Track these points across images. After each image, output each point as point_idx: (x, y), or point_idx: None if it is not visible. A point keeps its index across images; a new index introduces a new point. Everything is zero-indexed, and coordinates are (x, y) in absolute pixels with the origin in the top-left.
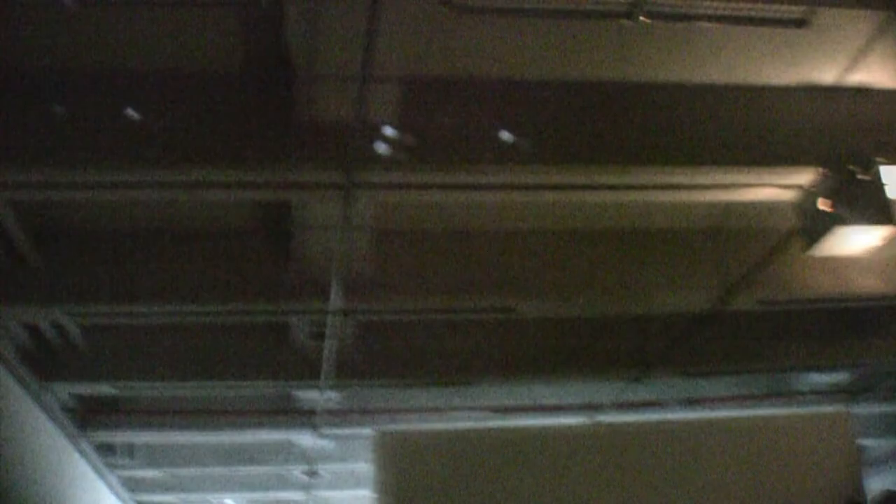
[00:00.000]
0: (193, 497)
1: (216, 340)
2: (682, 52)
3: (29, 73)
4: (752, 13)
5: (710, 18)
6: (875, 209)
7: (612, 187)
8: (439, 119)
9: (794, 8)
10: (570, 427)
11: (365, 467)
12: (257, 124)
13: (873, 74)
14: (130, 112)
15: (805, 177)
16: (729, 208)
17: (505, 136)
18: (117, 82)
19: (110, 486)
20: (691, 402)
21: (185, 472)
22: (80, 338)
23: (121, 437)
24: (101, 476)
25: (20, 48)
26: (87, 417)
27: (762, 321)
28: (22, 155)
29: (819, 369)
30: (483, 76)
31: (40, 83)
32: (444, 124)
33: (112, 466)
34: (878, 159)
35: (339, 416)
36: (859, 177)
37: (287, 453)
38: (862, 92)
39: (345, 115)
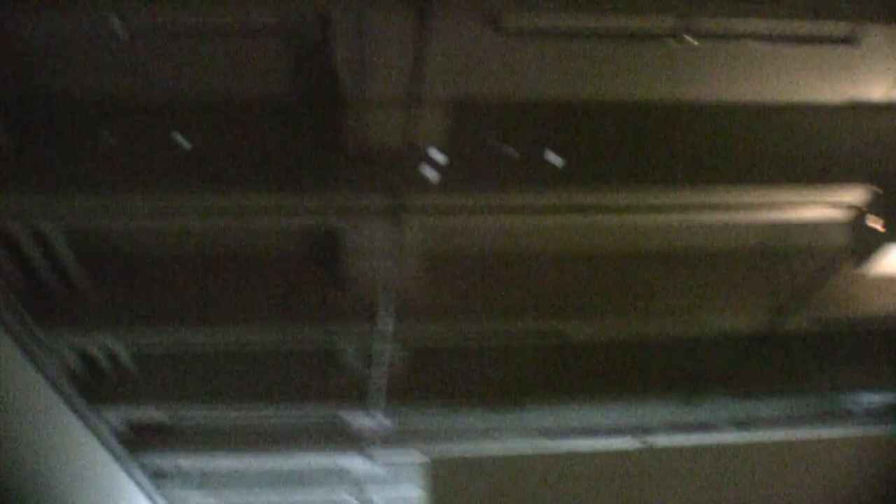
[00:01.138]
0: None
1: (266, 365)
2: (728, 72)
3: (81, 102)
4: (799, 31)
5: (756, 37)
6: None
7: (660, 209)
8: (487, 142)
9: (841, 25)
10: (621, 450)
11: (415, 492)
12: (306, 150)
13: None
14: (180, 139)
15: (854, 195)
16: (778, 227)
17: (553, 158)
18: (167, 110)
19: None
20: (743, 424)
21: (236, 496)
22: (130, 363)
23: (172, 461)
24: (152, 501)
25: (73, 77)
26: (137, 442)
27: (815, 341)
28: (73, 182)
29: (873, 390)
30: (530, 98)
31: (91, 111)
32: (491, 147)
33: (163, 491)
34: None
35: (390, 441)
36: None
37: (337, 478)
38: None
39: (393, 139)
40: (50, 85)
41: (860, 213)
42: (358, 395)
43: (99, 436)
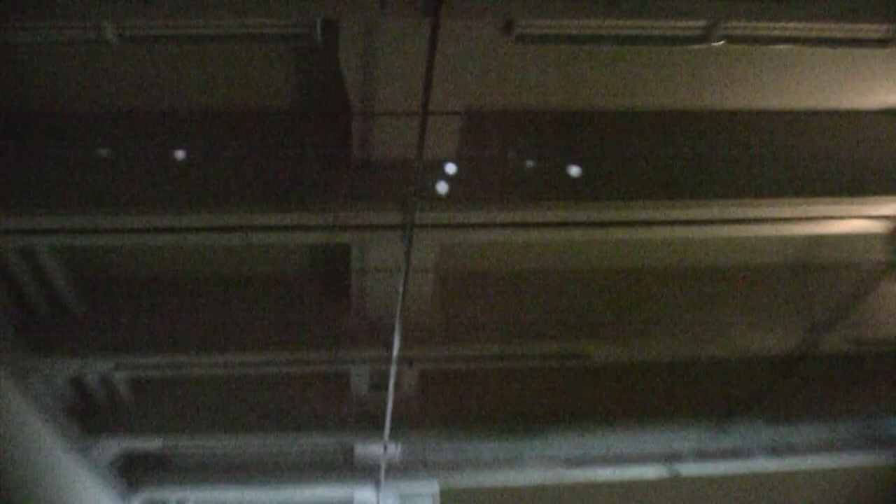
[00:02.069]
0: None
1: (271, 392)
2: (758, 77)
3: (72, 115)
4: (833, 34)
5: (788, 40)
6: None
7: (687, 223)
8: (502, 154)
9: (876, 27)
10: (648, 480)
11: None
12: (312, 163)
13: None
14: (178, 153)
15: (894, 206)
16: (814, 242)
17: (573, 170)
18: (163, 122)
19: None
20: (778, 451)
21: None
22: (127, 391)
23: (172, 494)
24: None
25: (62, 89)
26: (136, 473)
27: (853, 362)
28: (64, 199)
29: None
30: (547, 108)
31: (84, 125)
32: (507, 159)
33: None
34: None
35: (402, 470)
36: None
37: None
38: None
39: (403, 152)
40: (41, 97)
41: None
42: (367, 423)
43: (96, 468)
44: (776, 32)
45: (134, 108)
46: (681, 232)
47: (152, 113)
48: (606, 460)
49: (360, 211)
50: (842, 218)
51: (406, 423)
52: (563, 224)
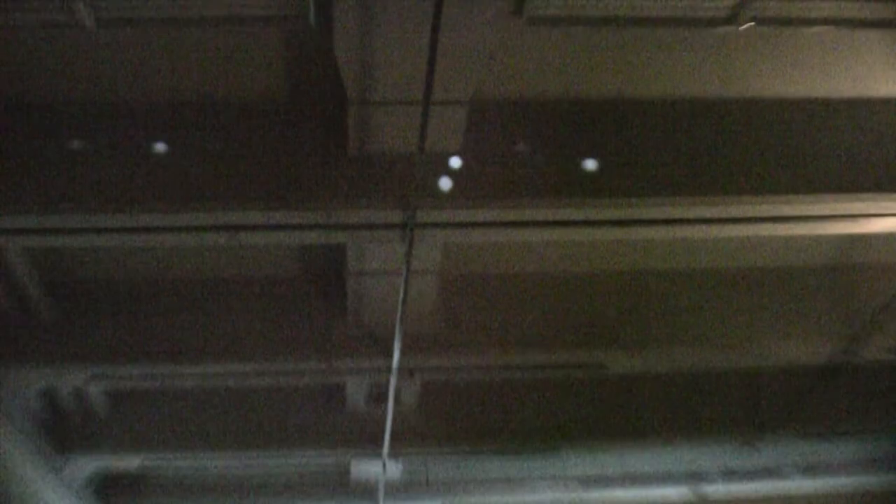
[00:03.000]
0: None
1: (259, 406)
2: (791, 63)
3: (42, 106)
4: (873, 14)
5: (824, 22)
6: None
7: (714, 221)
8: (510, 147)
9: None
10: (670, 502)
11: None
12: (304, 157)
13: None
14: (158, 147)
15: None
16: (851, 241)
17: (589, 164)
18: (143, 113)
19: None
20: (812, 470)
21: None
22: (103, 404)
23: None
24: None
25: (31, 78)
26: (113, 494)
27: (893, 373)
28: (35, 197)
29: None
30: (558, 96)
31: (56, 117)
32: (516, 153)
33: None
34: None
35: (403, 490)
36: None
37: None
38: None
39: (404, 145)
40: (8, 86)
41: None
42: (365, 439)
43: (70, 488)
44: (811, 13)
45: (111, 99)
46: (706, 231)
47: (130, 103)
48: (625, 480)
49: (357, 209)
50: (883, 216)
51: (407, 439)
52: (578, 223)
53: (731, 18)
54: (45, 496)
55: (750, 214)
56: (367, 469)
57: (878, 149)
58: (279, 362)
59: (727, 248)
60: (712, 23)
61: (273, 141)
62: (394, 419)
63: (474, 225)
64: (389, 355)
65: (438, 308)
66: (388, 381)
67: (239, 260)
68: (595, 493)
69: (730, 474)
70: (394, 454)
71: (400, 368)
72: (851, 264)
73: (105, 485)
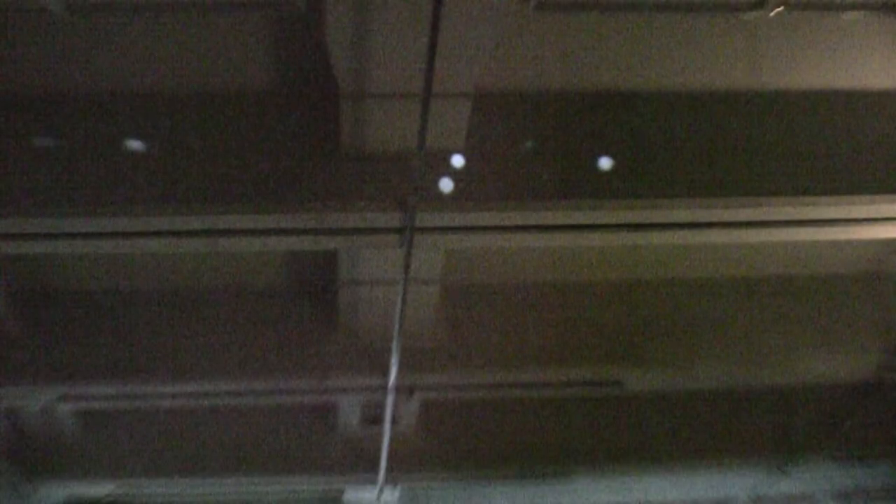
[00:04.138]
0: None
1: (244, 427)
2: (823, 53)
3: (5, 100)
4: None
5: (857, 7)
6: None
7: (739, 225)
8: (518, 144)
9: None
10: None
11: None
12: (293, 155)
13: None
14: (132, 144)
15: None
16: (892, 248)
17: (602, 163)
18: (117, 108)
19: None
20: (847, 497)
21: None
22: (74, 426)
23: None
24: None
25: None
26: None
27: None
28: (0, 199)
29: None
30: (570, 89)
31: (21, 111)
32: (524, 150)
33: None
34: None
35: None
36: None
37: None
38: None
39: (402, 141)
40: None
41: None
42: (359, 463)
43: None
44: None
45: (82, 91)
46: (730, 236)
47: (103, 96)
48: None
49: (351, 211)
50: None
51: (405, 464)
52: (591, 227)
53: (760, 3)
54: None
55: (779, 217)
56: (361, 497)
57: None
58: (264, 380)
59: (753, 254)
60: (738, 8)
61: (258, 137)
62: (390, 442)
63: (479, 229)
64: (386, 372)
65: (439, 320)
66: (384, 401)
67: (220, 268)
68: None
69: (759, 501)
70: (391, 480)
71: (397, 386)
72: (892, 272)
73: None
